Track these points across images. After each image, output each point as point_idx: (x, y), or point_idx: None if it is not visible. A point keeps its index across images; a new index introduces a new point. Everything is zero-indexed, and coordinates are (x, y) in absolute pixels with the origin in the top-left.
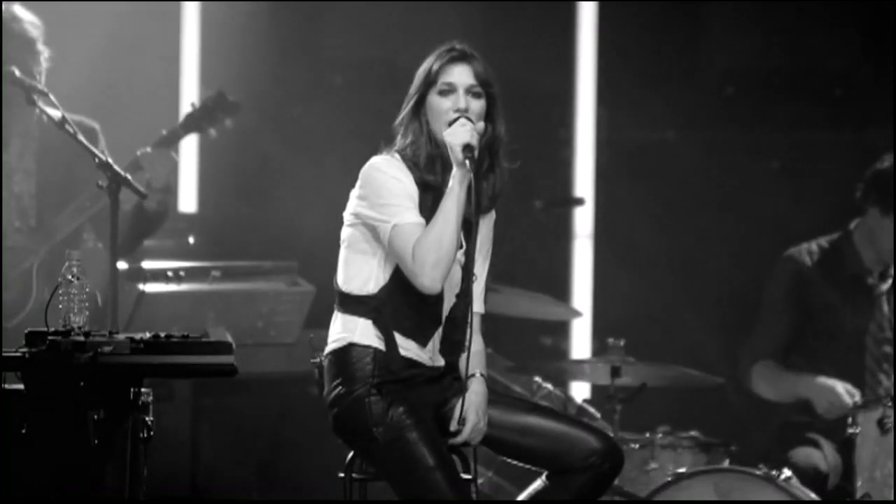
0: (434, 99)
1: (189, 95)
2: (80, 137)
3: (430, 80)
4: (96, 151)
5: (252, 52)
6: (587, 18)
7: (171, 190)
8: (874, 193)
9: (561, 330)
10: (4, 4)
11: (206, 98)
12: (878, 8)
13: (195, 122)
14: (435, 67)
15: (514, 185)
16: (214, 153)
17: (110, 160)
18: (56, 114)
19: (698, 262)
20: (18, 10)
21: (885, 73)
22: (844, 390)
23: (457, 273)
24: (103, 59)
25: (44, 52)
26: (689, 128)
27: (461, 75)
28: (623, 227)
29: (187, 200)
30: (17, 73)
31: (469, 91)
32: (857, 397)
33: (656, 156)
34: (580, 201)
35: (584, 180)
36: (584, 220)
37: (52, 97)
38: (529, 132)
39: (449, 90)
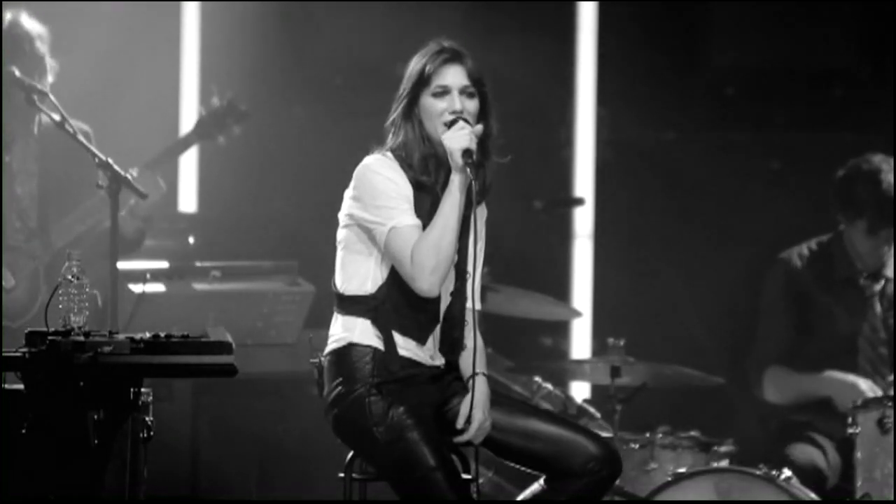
0: (428, 101)
1: (189, 96)
2: (80, 138)
3: (422, 82)
4: (96, 151)
5: (252, 52)
6: (587, 18)
7: (151, 220)
8: (836, 203)
9: (561, 330)
10: (13, 14)
11: (217, 105)
12: (878, 8)
13: (206, 128)
14: (428, 69)
15: (514, 184)
16: (214, 153)
17: (110, 160)
18: (55, 114)
19: (698, 261)
20: (28, 23)
21: (885, 73)
22: (868, 387)
23: (450, 271)
24: (102, 59)
25: (53, 68)
26: (689, 128)
27: (455, 77)
28: (623, 227)
29: (187, 200)
30: (17, 73)
31: (463, 92)
32: (877, 389)
33: (656, 156)
34: (580, 201)
35: (584, 180)
36: (584, 220)
37: (52, 98)
38: (529, 132)
39: (443, 92)
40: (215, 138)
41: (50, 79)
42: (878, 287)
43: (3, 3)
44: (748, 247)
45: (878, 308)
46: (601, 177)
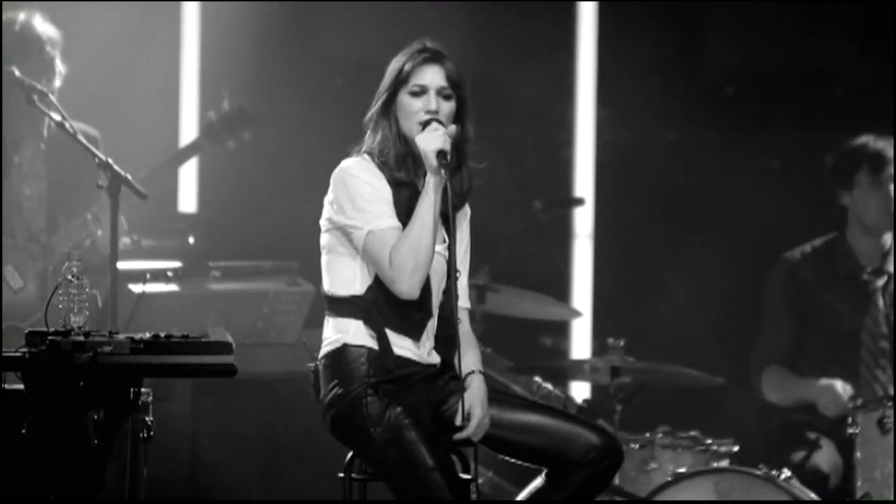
0: (405, 99)
1: (190, 96)
2: (80, 138)
3: (401, 80)
4: (96, 151)
5: (252, 52)
6: (587, 18)
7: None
8: (834, 175)
9: (561, 330)
10: (26, 16)
11: (227, 110)
12: (878, 8)
13: (216, 132)
14: (407, 67)
15: (514, 184)
16: (214, 153)
17: (110, 160)
18: (56, 115)
19: (698, 261)
20: (40, 26)
21: (885, 73)
22: (841, 387)
23: (441, 270)
24: (102, 60)
25: (62, 73)
26: (689, 128)
27: (433, 77)
28: (623, 227)
29: (187, 200)
30: (17, 73)
31: (440, 93)
32: (849, 390)
33: (656, 156)
34: (580, 201)
35: (584, 180)
36: (584, 220)
37: (52, 98)
38: (529, 132)
39: (420, 91)
40: (225, 142)
41: (58, 83)
42: (880, 283)
43: (4, 3)
44: (748, 246)
45: (881, 303)
46: (601, 177)
